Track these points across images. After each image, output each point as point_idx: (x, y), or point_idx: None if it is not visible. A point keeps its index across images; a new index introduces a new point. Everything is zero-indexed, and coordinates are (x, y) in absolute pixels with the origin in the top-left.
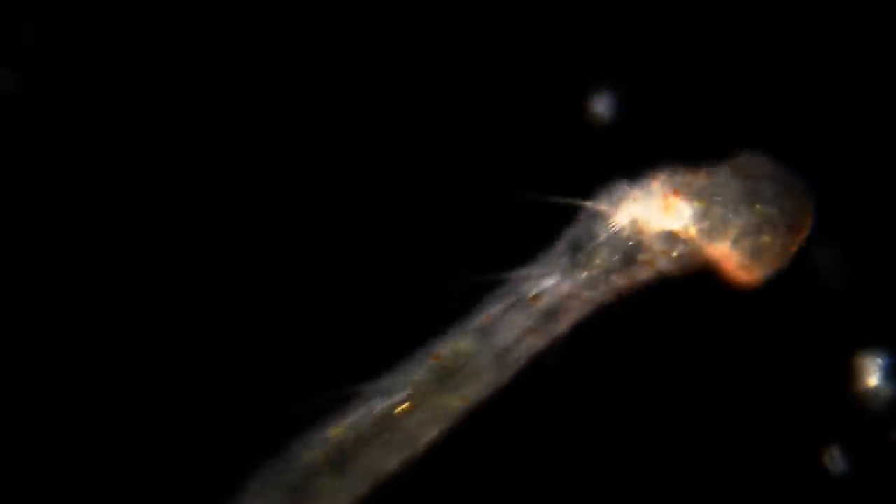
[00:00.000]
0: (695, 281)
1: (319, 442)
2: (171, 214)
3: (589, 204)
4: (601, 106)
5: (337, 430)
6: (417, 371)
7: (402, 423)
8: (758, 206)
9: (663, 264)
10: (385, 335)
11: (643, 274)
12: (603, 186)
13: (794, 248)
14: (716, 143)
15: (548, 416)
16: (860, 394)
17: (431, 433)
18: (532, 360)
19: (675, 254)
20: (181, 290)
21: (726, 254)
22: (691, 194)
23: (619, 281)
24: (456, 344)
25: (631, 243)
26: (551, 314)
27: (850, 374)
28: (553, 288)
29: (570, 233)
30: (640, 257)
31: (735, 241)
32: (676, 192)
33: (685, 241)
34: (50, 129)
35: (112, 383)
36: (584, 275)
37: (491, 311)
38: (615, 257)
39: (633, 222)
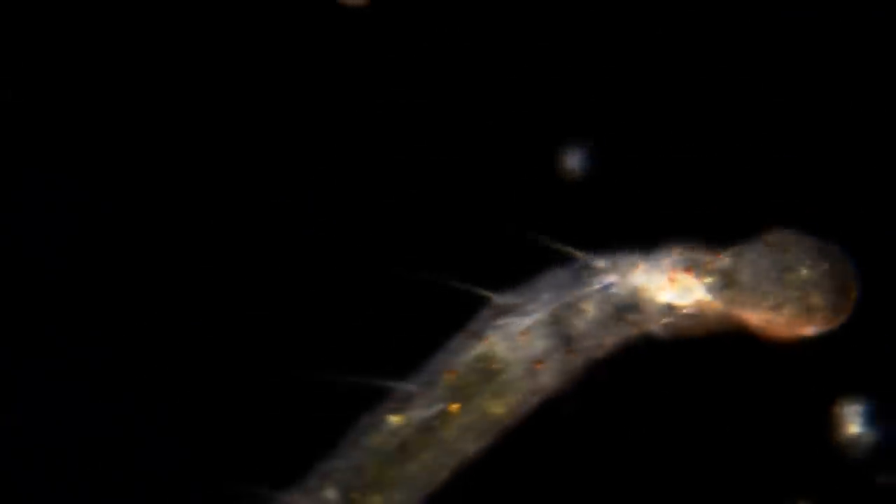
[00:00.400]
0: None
1: (384, 430)
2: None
3: (590, 259)
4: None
5: (397, 417)
6: (456, 372)
7: (450, 421)
8: (801, 272)
9: (655, 329)
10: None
11: (630, 333)
12: (615, 249)
13: (846, 310)
14: (742, 222)
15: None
16: (842, 442)
17: (480, 437)
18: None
19: (668, 322)
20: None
21: (765, 318)
22: (704, 273)
23: (605, 338)
24: (493, 349)
25: (621, 304)
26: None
27: (830, 424)
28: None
29: (559, 280)
30: (631, 318)
31: (774, 308)
32: (688, 270)
33: (695, 312)
34: (45, 128)
35: (114, 384)
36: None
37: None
38: (601, 314)
39: (630, 286)
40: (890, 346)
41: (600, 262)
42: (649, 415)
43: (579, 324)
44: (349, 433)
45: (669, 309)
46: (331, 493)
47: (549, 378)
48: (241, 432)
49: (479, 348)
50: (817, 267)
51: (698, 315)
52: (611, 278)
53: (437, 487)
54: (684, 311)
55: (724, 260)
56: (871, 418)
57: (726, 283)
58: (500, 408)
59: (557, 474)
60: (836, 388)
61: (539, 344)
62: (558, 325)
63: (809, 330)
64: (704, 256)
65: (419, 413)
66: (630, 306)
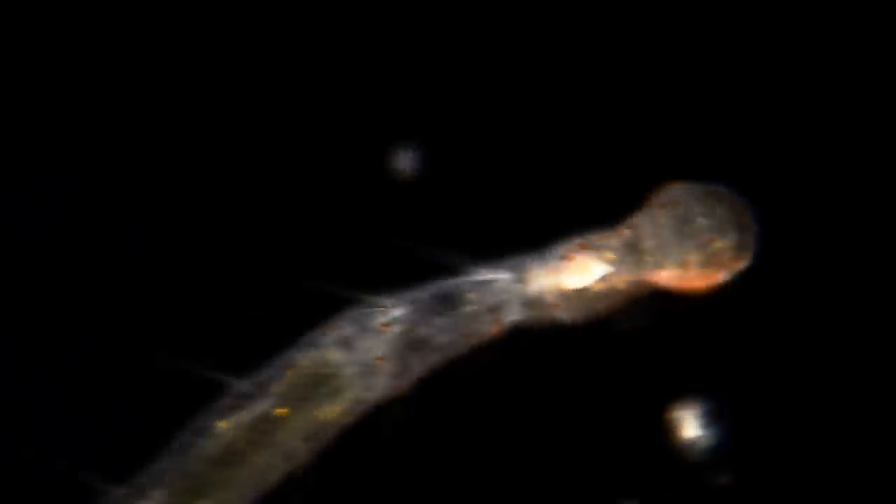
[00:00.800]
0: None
1: (212, 434)
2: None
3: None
4: None
5: (224, 423)
6: (288, 376)
7: (281, 424)
8: (697, 222)
9: (563, 315)
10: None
11: (516, 321)
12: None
13: (749, 247)
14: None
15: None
16: (679, 445)
17: (310, 440)
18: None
19: (564, 306)
20: None
21: (675, 276)
22: (603, 249)
23: (487, 328)
24: (323, 356)
25: (505, 296)
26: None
27: (666, 427)
28: (403, 318)
29: (446, 281)
30: (534, 310)
31: (682, 262)
32: (583, 247)
33: (605, 288)
34: (42, 126)
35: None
36: (444, 319)
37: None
38: (484, 306)
39: (520, 278)
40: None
41: (485, 272)
42: (498, 410)
43: (436, 324)
44: (179, 436)
45: (576, 292)
46: (157, 496)
47: (385, 381)
48: (75, 426)
49: (314, 353)
50: (712, 212)
51: (609, 291)
52: (499, 275)
53: (269, 490)
54: (592, 290)
55: (622, 232)
56: (707, 420)
57: (629, 252)
58: (331, 411)
59: (389, 477)
60: (669, 392)
61: (388, 339)
62: (413, 325)
63: (720, 276)
64: (597, 236)
65: (247, 417)
66: (528, 299)
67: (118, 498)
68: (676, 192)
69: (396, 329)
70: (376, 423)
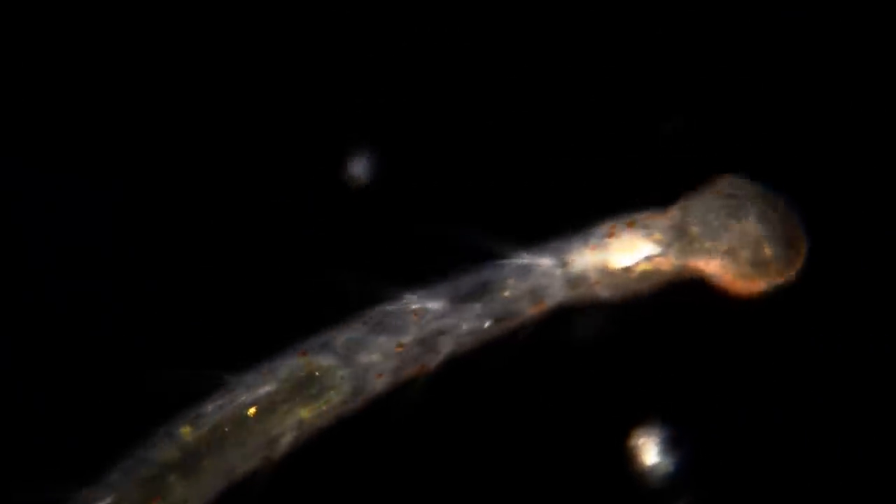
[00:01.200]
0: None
1: (172, 437)
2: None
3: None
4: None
5: (187, 428)
6: (280, 372)
7: (255, 424)
8: (749, 222)
9: (605, 294)
10: (259, 325)
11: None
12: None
13: (796, 265)
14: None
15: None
16: (640, 472)
17: (286, 438)
18: (396, 385)
19: (607, 284)
20: None
21: (721, 267)
22: (651, 228)
23: (528, 314)
24: (317, 357)
25: (543, 281)
26: (426, 341)
27: (627, 454)
28: (434, 314)
29: (480, 271)
30: (577, 288)
31: (728, 254)
32: (631, 225)
33: (649, 269)
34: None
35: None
36: (477, 307)
37: (361, 327)
38: (521, 291)
39: (564, 258)
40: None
41: (526, 257)
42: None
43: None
44: (141, 441)
45: (619, 271)
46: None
47: (380, 385)
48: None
49: (302, 358)
50: (765, 216)
51: (653, 272)
52: (540, 259)
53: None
54: (637, 269)
55: (672, 213)
56: (667, 447)
57: (677, 235)
58: (311, 412)
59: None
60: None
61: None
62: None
63: (762, 285)
64: (645, 214)
65: (213, 419)
66: (570, 278)
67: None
68: (734, 183)
69: (427, 319)
70: (387, 411)
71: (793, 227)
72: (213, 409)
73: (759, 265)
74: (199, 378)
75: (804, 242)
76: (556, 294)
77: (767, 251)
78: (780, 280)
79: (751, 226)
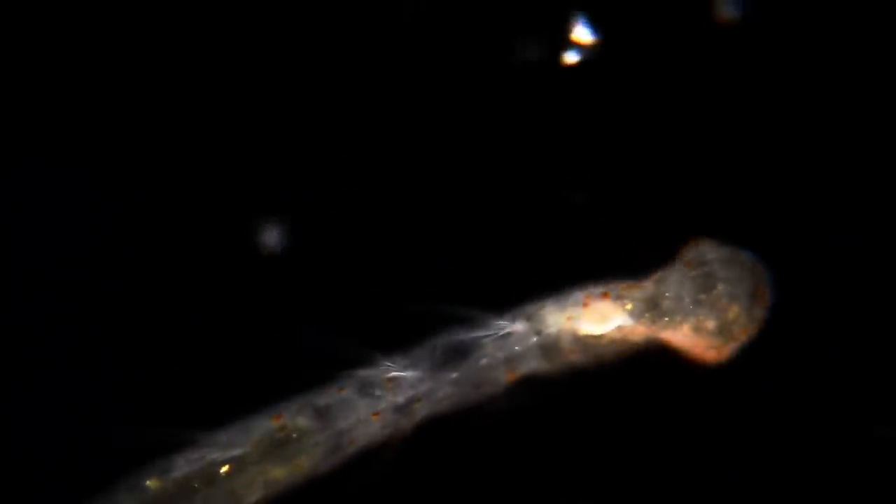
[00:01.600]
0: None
1: (138, 490)
2: None
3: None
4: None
5: (155, 481)
6: (253, 433)
7: (224, 482)
8: (718, 289)
9: (579, 360)
10: (234, 383)
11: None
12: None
13: (761, 315)
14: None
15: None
16: None
17: (253, 497)
18: (372, 448)
19: (584, 352)
20: None
21: (689, 339)
22: (624, 298)
23: (503, 381)
24: (295, 419)
25: (518, 348)
26: (402, 408)
27: None
28: (410, 382)
29: (457, 338)
30: (551, 354)
31: (697, 327)
32: (605, 296)
33: (618, 338)
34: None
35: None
36: (454, 375)
37: (339, 391)
38: (497, 359)
39: (539, 326)
40: None
41: (500, 321)
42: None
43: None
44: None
45: (591, 339)
46: None
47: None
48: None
49: (277, 422)
50: (734, 279)
51: (622, 341)
52: (515, 326)
53: None
54: (607, 338)
55: (646, 286)
56: None
57: (649, 306)
58: (279, 473)
59: None
60: None
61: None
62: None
63: (731, 349)
64: (620, 284)
65: (181, 473)
66: (545, 344)
67: None
68: (704, 251)
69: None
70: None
71: (758, 285)
72: (183, 464)
73: (725, 332)
74: (170, 434)
75: (768, 299)
76: (531, 361)
77: (733, 312)
78: (745, 340)
79: (719, 298)
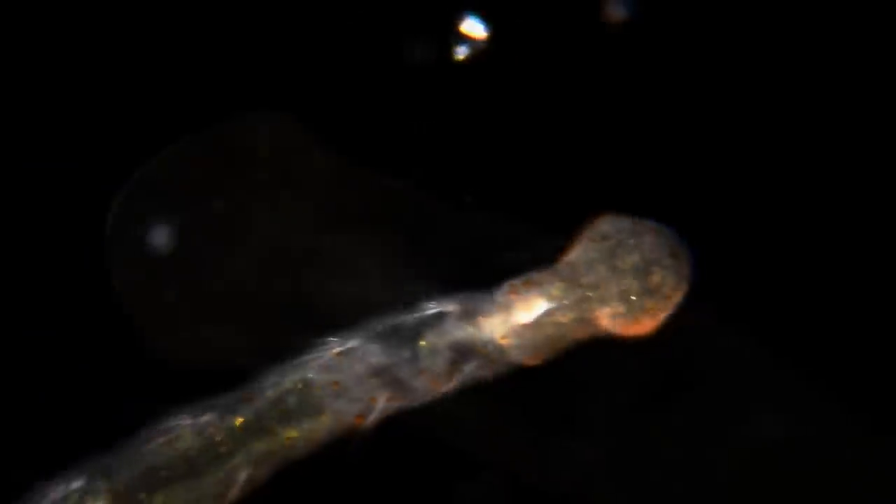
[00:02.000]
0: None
1: (171, 437)
2: None
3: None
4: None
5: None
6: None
7: (243, 438)
8: (629, 258)
9: (512, 355)
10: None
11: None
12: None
13: (685, 281)
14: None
15: None
16: None
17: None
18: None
19: (518, 347)
20: None
21: (616, 312)
22: (545, 284)
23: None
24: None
25: (460, 343)
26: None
27: None
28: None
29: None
30: (481, 350)
31: (623, 296)
32: (527, 284)
33: (549, 326)
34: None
35: None
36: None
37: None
38: (442, 346)
39: (472, 318)
40: None
41: (436, 304)
42: None
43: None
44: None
45: (521, 330)
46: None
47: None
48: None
49: (291, 375)
50: (642, 244)
51: (558, 331)
52: (449, 316)
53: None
54: (542, 329)
55: (561, 268)
56: None
57: (571, 288)
58: (295, 433)
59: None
60: None
61: (358, 367)
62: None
63: (663, 312)
64: (537, 273)
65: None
66: (476, 341)
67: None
68: (605, 225)
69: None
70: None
71: (670, 244)
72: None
73: (653, 294)
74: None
75: (685, 253)
76: (471, 363)
77: (656, 276)
78: (674, 301)
79: (630, 261)
